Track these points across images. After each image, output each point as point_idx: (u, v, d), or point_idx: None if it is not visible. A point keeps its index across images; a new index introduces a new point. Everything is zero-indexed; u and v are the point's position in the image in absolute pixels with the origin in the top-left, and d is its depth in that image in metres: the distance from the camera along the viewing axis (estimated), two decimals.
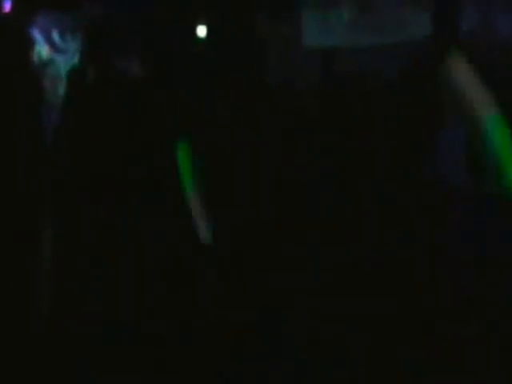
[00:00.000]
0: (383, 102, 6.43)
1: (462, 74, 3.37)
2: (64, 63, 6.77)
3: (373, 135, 6.20)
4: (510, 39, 8.16)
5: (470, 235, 5.21)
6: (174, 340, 4.31)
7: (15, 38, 6.49)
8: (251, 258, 4.66)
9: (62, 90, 6.27)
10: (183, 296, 4.56)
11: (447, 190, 5.25)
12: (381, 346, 4.36)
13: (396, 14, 9.06)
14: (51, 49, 7.28)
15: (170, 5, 7.29)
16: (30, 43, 6.73)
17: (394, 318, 4.64)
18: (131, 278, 4.68)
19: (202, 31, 7.14)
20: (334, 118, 6.42)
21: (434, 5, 7.90)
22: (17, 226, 5.20)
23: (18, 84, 5.78)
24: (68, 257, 4.95)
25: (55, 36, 7.35)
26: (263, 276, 4.60)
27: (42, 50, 7.17)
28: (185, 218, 4.91)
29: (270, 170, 5.41)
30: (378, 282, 4.89)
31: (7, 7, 6.76)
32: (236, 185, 5.05)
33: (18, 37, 6.46)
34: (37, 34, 7.11)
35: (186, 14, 7.22)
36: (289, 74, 7.41)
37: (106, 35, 5.73)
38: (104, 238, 4.89)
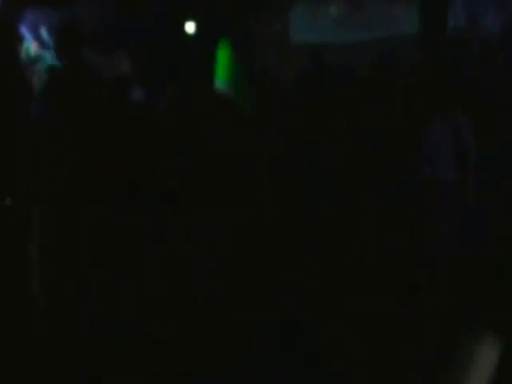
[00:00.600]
0: (371, 98, 6.45)
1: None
2: (52, 59, 6.75)
3: (361, 129, 6.21)
4: (497, 34, 8.23)
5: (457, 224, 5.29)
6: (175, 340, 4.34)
7: (3, 34, 6.45)
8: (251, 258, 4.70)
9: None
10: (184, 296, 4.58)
11: (436, 185, 5.30)
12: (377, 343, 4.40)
13: (383, 9, 9.12)
14: (39, 45, 7.28)
15: (161, 2, 7.30)
16: (18, 39, 6.70)
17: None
18: (131, 277, 4.68)
19: (190, 27, 7.15)
20: (322, 112, 6.42)
21: (421, 1, 7.96)
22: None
23: (6, 79, 5.74)
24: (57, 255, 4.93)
25: (44, 33, 7.34)
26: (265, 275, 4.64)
27: (31, 46, 7.16)
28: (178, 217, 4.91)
29: (261, 160, 5.42)
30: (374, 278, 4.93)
31: None
32: (230, 180, 5.06)
33: (7, 33, 6.41)
34: (25, 31, 7.09)
35: (177, 11, 7.22)
36: (277, 69, 7.44)
37: (81, 33, 5.65)
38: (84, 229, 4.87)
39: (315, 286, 4.56)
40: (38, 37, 7.19)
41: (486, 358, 2.63)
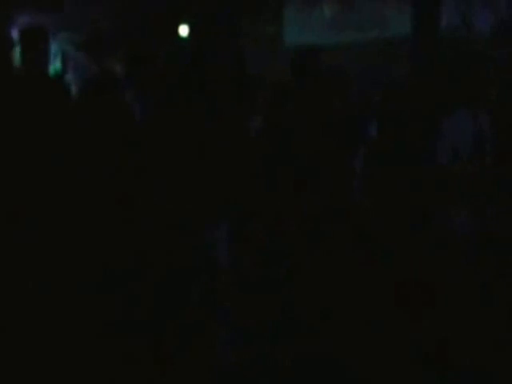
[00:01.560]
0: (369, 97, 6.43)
1: None
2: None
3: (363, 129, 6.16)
4: (488, 34, 8.24)
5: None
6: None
7: None
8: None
9: None
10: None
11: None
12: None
13: (376, 10, 9.12)
14: None
15: (154, 4, 7.29)
16: (10, 44, 6.69)
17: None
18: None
19: (184, 31, 7.14)
20: (322, 114, 6.36)
21: (414, 1, 7.97)
22: None
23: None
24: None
25: None
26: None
27: None
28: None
29: (254, 163, 5.39)
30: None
31: None
32: (223, 180, 5.04)
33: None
34: (17, 35, 7.04)
35: (170, 14, 7.21)
36: (271, 71, 7.41)
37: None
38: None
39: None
40: None
41: None
